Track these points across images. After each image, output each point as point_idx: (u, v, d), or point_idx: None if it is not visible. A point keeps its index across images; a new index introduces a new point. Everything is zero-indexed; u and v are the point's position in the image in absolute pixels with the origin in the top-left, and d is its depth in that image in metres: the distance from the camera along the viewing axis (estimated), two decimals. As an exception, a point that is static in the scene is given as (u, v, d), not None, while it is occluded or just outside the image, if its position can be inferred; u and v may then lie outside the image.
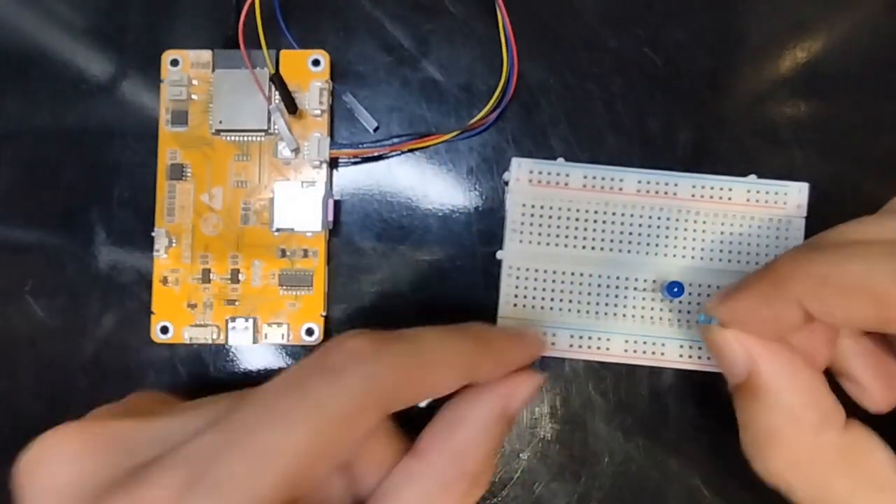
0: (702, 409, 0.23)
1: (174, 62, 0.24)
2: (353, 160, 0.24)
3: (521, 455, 0.23)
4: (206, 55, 0.24)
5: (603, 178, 0.22)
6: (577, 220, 0.22)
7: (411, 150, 0.24)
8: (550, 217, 0.22)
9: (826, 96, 0.24)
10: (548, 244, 0.22)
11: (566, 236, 0.22)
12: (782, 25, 0.24)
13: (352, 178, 0.24)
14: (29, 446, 0.15)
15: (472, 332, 0.17)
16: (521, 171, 0.22)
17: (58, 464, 0.14)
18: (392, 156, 0.24)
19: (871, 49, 0.24)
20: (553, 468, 0.23)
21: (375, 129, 0.24)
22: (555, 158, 0.22)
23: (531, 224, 0.22)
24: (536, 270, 0.22)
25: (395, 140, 0.23)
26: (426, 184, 0.24)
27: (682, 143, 0.24)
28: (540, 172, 0.22)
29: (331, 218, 0.23)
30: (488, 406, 0.17)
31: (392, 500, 0.16)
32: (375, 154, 0.24)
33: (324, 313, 0.23)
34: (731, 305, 0.18)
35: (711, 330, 0.18)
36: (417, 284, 0.23)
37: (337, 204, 0.24)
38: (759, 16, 0.24)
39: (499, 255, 0.22)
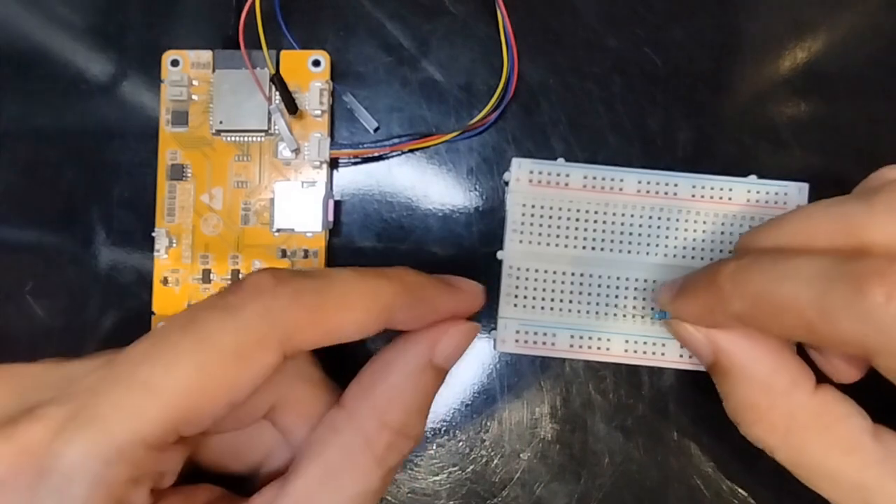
0: (702, 409, 0.23)
1: (174, 62, 0.24)
2: (353, 160, 0.24)
3: (521, 455, 0.23)
4: (206, 55, 0.24)
5: (603, 179, 0.22)
6: (577, 220, 0.22)
7: (411, 151, 0.24)
8: (551, 217, 0.22)
9: (826, 96, 0.24)
10: (548, 244, 0.22)
11: (566, 236, 0.22)
12: (782, 25, 0.24)
13: (352, 178, 0.24)
14: None
15: (393, 275, 0.16)
16: (522, 172, 0.22)
17: None
18: (392, 156, 0.24)
19: (871, 49, 0.24)
20: (553, 468, 0.23)
21: (375, 130, 0.24)
22: (555, 158, 0.22)
23: (531, 224, 0.22)
24: (536, 270, 0.22)
25: (395, 140, 0.23)
26: (426, 184, 0.24)
27: (682, 142, 0.24)
28: (540, 172, 0.22)
29: (331, 218, 0.23)
30: (411, 355, 0.16)
31: (316, 452, 0.15)
32: (375, 154, 0.24)
33: (324, 313, 0.23)
34: (678, 308, 0.18)
35: (671, 324, 0.20)
36: (417, 284, 0.23)
37: (337, 204, 0.24)
38: (759, 16, 0.24)
39: (499, 255, 0.22)
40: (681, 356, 0.22)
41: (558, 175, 0.22)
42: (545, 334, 0.22)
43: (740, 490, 0.23)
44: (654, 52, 0.24)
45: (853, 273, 0.14)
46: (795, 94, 0.24)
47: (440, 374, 0.17)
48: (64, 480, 0.12)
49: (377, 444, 0.15)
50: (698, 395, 0.23)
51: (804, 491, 0.21)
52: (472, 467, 0.23)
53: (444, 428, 0.23)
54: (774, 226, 0.18)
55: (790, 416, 0.17)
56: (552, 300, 0.22)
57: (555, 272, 0.22)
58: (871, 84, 0.24)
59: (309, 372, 0.18)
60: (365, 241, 0.24)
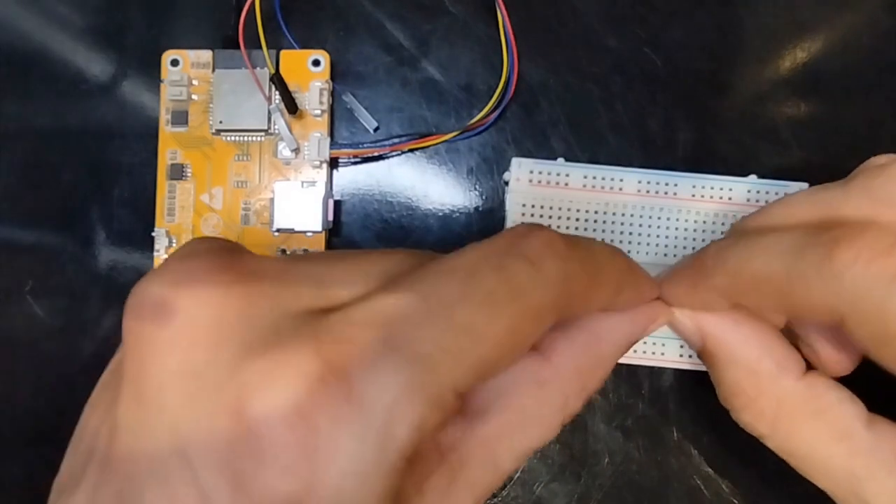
0: (702, 409, 0.23)
1: (174, 62, 0.24)
2: (353, 160, 0.24)
3: (521, 455, 0.23)
4: (206, 55, 0.24)
5: (603, 179, 0.22)
6: (577, 220, 0.22)
7: (411, 150, 0.24)
8: (551, 217, 0.22)
9: (826, 96, 0.24)
10: None
11: None
12: (782, 25, 0.24)
13: (352, 178, 0.24)
14: (156, 270, 0.12)
15: (621, 255, 0.16)
16: (522, 171, 0.22)
17: (207, 293, 0.11)
18: (392, 156, 0.24)
19: (871, 49, 0.24)
20: (553, 468, 0.23)
21: (375, 129, 0.24)
22: (555, 158, 0.22)
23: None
24: None
25: (395, 140, 0.23)
26: (426, 184, 0.24)
27: (682, 142, 0.24)
28: (540, 172, 0.22)
29: (331, 218, 0.23)
30: (631, 330, 0.16)
31: (512, 398, 0.15)
32: (375, 154, 0.24)
33: (324, 313, 0.23)
34: (666, 290, 0.19)
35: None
36: (417, 284, 0.23)
37: (337, 204, 0.24)
38: (759, 16, 0.24)
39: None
40: (680, 356, 0.22)
41: (558, 175, 0.22)
42: None
43: (740, 490, 0.23)
44: (654, 52, 0.24)
45: (824, 240, 0.14)
46: (795, 94, 0.24)
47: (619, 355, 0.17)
48: (388, 419, 0.11)
49: (571, 407, 0.15)
50: (698, 395, 0.23)
51: (804, 491, 0.21)
52: (472, 467, 0.23)
53: (444, 428, 0.23)
54: (761, 211, 0.19)
55: (778, 401, 0.17)
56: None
57: None
58: (871, 84, 0.24)
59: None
60: (365, 241, 0.24)
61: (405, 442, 0.11)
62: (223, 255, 0.12)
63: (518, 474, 0.23)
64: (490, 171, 0.24)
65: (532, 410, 0.15)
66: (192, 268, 0.12)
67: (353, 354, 0.11)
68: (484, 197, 0.24)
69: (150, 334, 0.11)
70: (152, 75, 0.24)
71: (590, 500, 0.23)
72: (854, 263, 0.14)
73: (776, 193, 0.22)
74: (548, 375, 0.15)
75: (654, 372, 0.23)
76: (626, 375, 0.23)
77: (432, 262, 0.13)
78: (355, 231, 0.24)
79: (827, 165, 0.24)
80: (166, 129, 0.24)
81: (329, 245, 0.23)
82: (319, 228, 0.23)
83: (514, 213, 0.22)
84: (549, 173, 0.22)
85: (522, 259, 0.13)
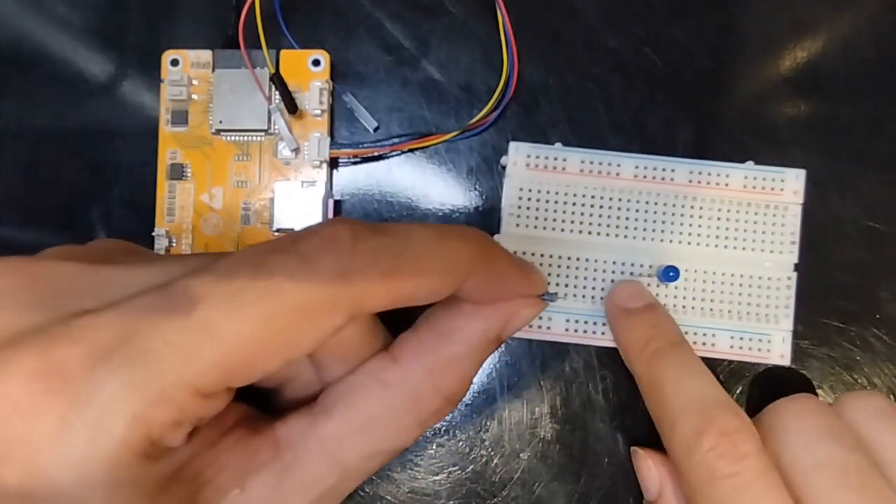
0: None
1: (174, 62, 0.24)
2: (353, 160, 0.24)
3: (521, 455, 0.23)
4: (206, 55, 0.24)
5: (601, 164, 0.22)
6: (574, 204, 0.22)
7: (411, 150, 0.24)
8: (547, 202, 0.22)
9: (826, 96, 0.24)
10: (544, 228, 0.22)
11: (563, 221, 0.22)
12: (782, 25, 0.24)
13: (352, 178, 0.24)
14: None
15: (472, 237, 0.15)
16: (519, 156, 0.22)
17: None
18: (392, 156, 0.24)
19: (871, 49, 0.24)
20: (553, 468, 0.23)
21: (375, 129, 0.24)
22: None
23: (528, 208, 0.22)
24: (532, 255, 0.22)
25: (395, 140, 0.23)
26: (426, 184, 0.24)
27: (682, 142, 0.24)
28: (538, 157, 0.22)
29: (331, 217, 0.23)
30: (484, 327, 0.16)
31: (359, 399, 0.14)
32: (375, 154, 0.24)
33: (324, 313, 0.23)
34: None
35: (636, 453, 0.22)
36: (417, 284, 0.23)
37: (337, 204, 0.24)
38: (759, 16, 0.24)
39: (495, 238, 0.22)
40: None
41: (555, 159, 0.22)
42: (540, 319, 0.22)
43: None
44: (654, 52, 0.24)
45: (705, 417, 0.18)
46: (795, 94, 0.24)
47: (497, 347, 0.17)
48: (101, 413, 0.11)
49: (425, 408, 0.15)
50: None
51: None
52: (472, 467, 0.23)
53: (444, 428, 0.23)
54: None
55: None
56: (548, 285, 0.22)
57: (551, 256, 0.22)
58: (871, 84, 0.24)
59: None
60: (365, 240, 0.24)
61: (121, 435, 0.11)
62: (14, 267, 0.13)
63: (518, 474, 0.23)
64: (490, 171, 0.24)
65: (380, 412, 0.15)
66: None
67: (79, 353, 0.11)
68: (484, 197, 0.24)
69: None
70: (152, 75, 0.24)
71: (590, 500, 0.23)
72: (707, 450, 0.17)
73: (773, 179, 0.22)
74: (393, 376, 0.15)
75: (654, 372, 0.23)
76: (627, 375, 0.23)
77: (210, 259, 0.13)
78: (355, 231, 0.24)
79: (827, 165, 0.24)
80: (166, 129, 0.24)
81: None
82: (319, 228, 0.23)
83: (510, 198, 0.22)
84: (546, 157, 0.22)
85: (292, 256, 0.12)
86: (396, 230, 0.14)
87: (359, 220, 0.13)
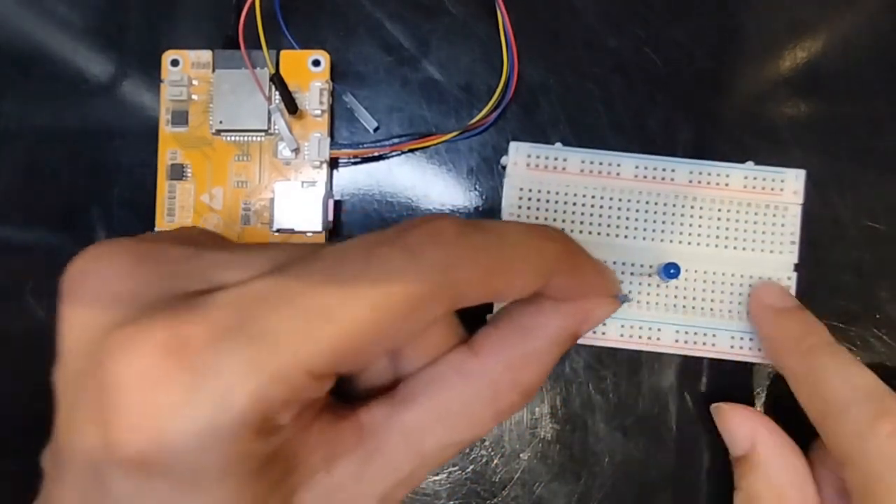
0: (702, 409, 0.23)
1: (174, 62, 0.24)
2: (353, 160, 0.24)
3: (521, 455, 0.23)
4: (206, 55, 0.24)
5: (601, 164, 0.22)
6: (574, 204, 0.22)
7: (411, 150, 0.24)
8: (548, 202, 0.22)
9: (826, 96, 0.24)
10: None
11: (563, 221, 0.22)
12: (782, 25, 0.24)
13: (352, 178, 0.24)
14: (80, 254, 0.14)
15: (557, 237, 0.16)
16: (519, 156, 0.22)
17: (109, 273, 0.13)
18: (392, 156, 0.24)
19: (871, 49, 0.24)
20: (553, 468, 0.23)
21: (375, 129, 0.24)
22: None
23: (528, 208, 0.22)
24: None
25: (395, 140, 0.23)
26: (426, 184, 0.24)
27: (682, 142, 0.24)
28: (538, 157, 0.22)
29: (331, 218, 0.23)
30: (564, 324, 0.16)
31: (439, 390, 0.15)
32: (375, 154, 0.24)
33: (324, 313, 0.23)
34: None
35: (722, 409, 0.22)
36: (417, 284, 0.23)
37: (337, 204, 0.24)
38: (759, 16, 0.24)
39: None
40: (676, 341, 0.22)
41: (556, 159, 0.22)
42: None
43: (740, 490, 0.23)
44: (654, 52, 0.24)
45: (875, 407, 0.18)
46: (795, 94, 0.24)
47: (573, 344, 0.17)
48: (225, 388, 0.11)
49: (502, 401, 0.15)
50: (698, 395, 0.23)
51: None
52: (472, 467, 0.23)
53: (444, 428, 0.23)
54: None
55: None
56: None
57: None
58: (871, 84, 0.24)
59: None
60: (365, 241, 0.24)
61: (242, 410, 0.12)
62: (125, 248, 0.14)
63: (518, 474, 0.23)
64: (490, 171, 0.24)
65: (459, 403, 0.15)
66: (96, 255, 0.14)
67: (202, 330, 0.12)
68: (484, 197, 0.24)
69: (63, 302, 0.13)
70: (152, 75, 0.24)
71: (590, 500, 0.23)
72: (886, 435, 0.17)
73: (773, 180, 0.22)
74: (474, 369, 0.15)
75: (654, 372, 0.23)
76: (627, 375, 0.23)
77: (314, 249, 0.14)
78: (355, 231, 0.24)
79: (827, 165, 0.24)
80: (166, 129, 0.24)
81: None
82: (319, 228, 0.23)
83: (510, 198, 0.22)
84: (546, 157, 0.22)
85: (398, 247, 0.13)
86: (493, 227, 0.15)
87: (458, 217, 0.14)
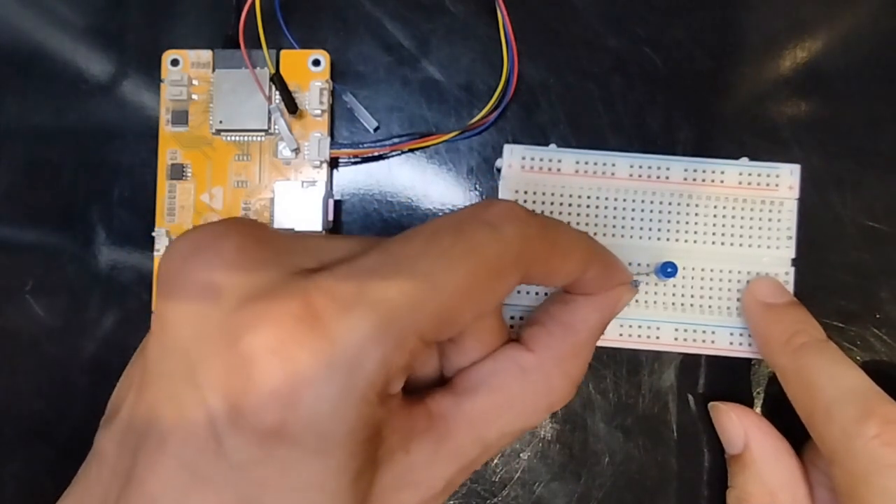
0: (702, 409, 0.23)
1: (174, 62, 0.24)
2: (353, 160, 0.24)
3: (521, 455, 0.23)
4: (206, 55, 0.24)
5: (595, 164, 0.23)
6: (569, 205, 0.22)
7: (411, 150, 0.24)
8: (543, 203, 0.22)
9: (826, 96, 0.24)
10: None
11: None
12: (782, 25, 0.24)
13: (352, 178, 0.24)
14: (183, 236, 0.14)
15: (588, 235, 0.18)
16: (514, 158, 0.22)
17: (230, 250, 0.13)
18: (392, 156, 0.24)
19: (871, 49, 0.24)
20: (553, 468, 0.23)
21: (375, 129, 0.24)
22: (555, 158, 0.23)
23: None
24: None
25: (396, 140, 0.23)
26: (426, 184, 0.24)
27: (682, 142, 0.24)
28: (532, 158, 0.22)
29: (331, 218, 0.23)
30: (600, 315, 0.18)
31: (500, 382, 0.16)
32: (375, 154, 0.24)
33: (324, 313, 0.23)
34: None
35: (718, 408, 0.22)
36: (417, 284, 0.23)
37: (337, 204, 0.24)
38: (759, 16, 0.24)
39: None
40: (675, 339, 0.22)
41: (550, 161, 0.22)
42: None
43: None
44: (654, 52, 0.24)
45: (862, 406, 0.18)
46: (795, 94, 0.24)
47: (603, 332, 0.19)
48: (357, 354, 0.12)
49: (555, 392, 0.17)
50: (698, 394, 0.23)
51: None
52: (472, 467, 0.23)
53: (444, 428, 0.23)
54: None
55: None
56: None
57: None
58: (871, 84, 0.24)
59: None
60: (365, 240, 0.24)
61: (372, 374, 0.12)
62: (241, 227, 0.14)
63: (518, 474, 0.23)
64: (490, 171, 0.24)
65: (517, 393, 0.16)
66: (214, 234, 0.14)
67: (329, 302, 0.12)
68: (484, 197, 0.24)
69: (174, 282, 0.13)
70: (152, 75, 0.24)
71: (590, 500, 0.23)
72: (871, 437, 0.17)
73: (768, 175, 0.23)
74: (531, 363, 0.17)
75: (654, 371, 0.23)
76: (626, 375, 0.23)
77: (400, 235, 0.15)
78: (355, 231, 0.24)
79: (827, 165, 0.24)
80: (166, 129, 0.24)
81: (329, 245, 0.23)
82: (319, 228, 0.23)
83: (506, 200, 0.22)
84: (541, 159, 0.22)
85: (482, 222, 0.14)
86: (545, 217, 0.16)
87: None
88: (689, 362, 0.23)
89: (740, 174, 0.22)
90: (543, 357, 0.17)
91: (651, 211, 0.22)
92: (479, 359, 0.17)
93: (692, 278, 0.22)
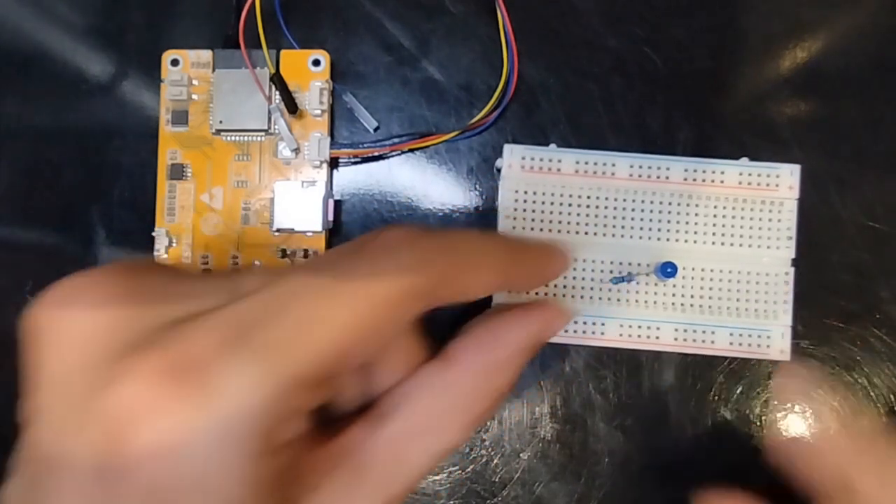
0: (702, 409, 0.23)
1: (174, 62, 0.24)
2: (353, 160, 0.24)
3: (521, 455, 0.23)
4: (206, 55, 0.24)
5: (595, 164, 0.23)
6: (569, 205, 0.22)
7: (411, 150, 0.24)
8: (543, 203, 0.22)
9: (826, 96, 0.24)
10: (541, 230, 0.22)
11: (559, 222, 0.22)
12: (782, 25, 0.24)
13: (352, 178, 0.24)
14: (47, 290, 0.13)
15: (504, 238, 0.17)
16: (514, 158, 0.23)
17: (82, 311, 0.13)
18: (392, 156, 0.24)
19: (871, 49, 0.24)
20: (553, 468, 0.23)
21: (375, 129, 0.24)
22: (554, 157, 0.23)
23: (524, 210, 0.22)
24: None
25: (395, 140, 0.23)
26: (426, 184, 0.24)
27: (682, 142, 0.24)
28: (532, 158, 0.23)
29: (331, 218, 0.23)
30: (529, 330, 0.17)
31: (420, 400, 0.15)
32: (375, 154, 0.24)
33: (324, 313, 0.23)
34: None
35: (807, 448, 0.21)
36: (417, 284, 0.23)
37: (337, 204, 0.24)
38: (759, 16, 0.24)
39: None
40: (675, 339, 0.22)
41: (550, 161, 0.22)
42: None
43: (740, 490, 0.23)
44: (654, 52, 0.24)
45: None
46: (795, 94, 0.24)
47: (536, 352, 0.18)
48: (231, 406, 0.12)
49: (480, 407, 0.16)
50: (699, 394, 0.23)
51: (802, 493, 0.21)
52: (472, 467, 0.23)
53: (444, 428, 0.23)
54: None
55: None
56: (546, 286, 0.22)
57: None
58: (871, 84, 0.24)
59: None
60: (365, 240, 0.24)
61: (254, 424, 0.12)
62: (113, 277, 0.14)
63: (518, 474, 0.23)
64: (490, 171, 0.24)
65: (437, 412, 0.15)
66: (84, 285, 0.14)
67: (205, 349, 0.12)
68: (484, 197, 0.24)
69: (42, 336, 0.13)
70: (152, 75, 0.24)
71: (590, 500, 0.23)
72: None
73: (768, 175, 0.23)
74: (450, 378, 0.16)
75: (655, 372, 0.23)
76: (626, 375, 0.23)
77: (291, 266, 0.14)
78: (355, 231, 0.24)
79: (827, 165, 0.24)
80: (166, 129, 0.24)
81: (329, 245, 0.23)
82: (319, 228, 0.23)
83: (506, 201, 0.22)
84: (541, 159, 0.22)
85: (376, 250, 0.14)
86: (450, 231, 0.16)
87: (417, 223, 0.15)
88: (688, 362, 0.23)
89: (740, 174, 0.23)
90: (466, 372, 0.16)
91: (651, 211, 0.22)
92: (400, 379, 0.16)
93: (692, 278, 0.22)
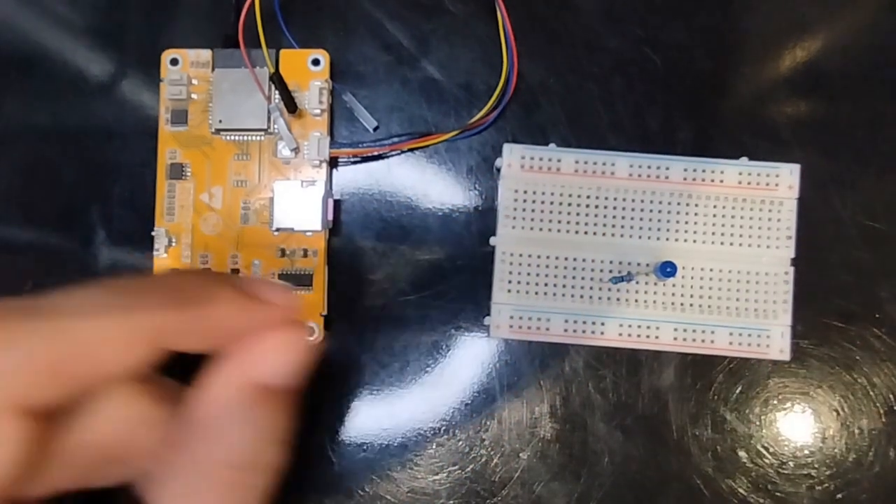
0: (702, 408, 0.23)
1: (174, 61, 0.24)
2: (352, 160, 0.24)
3: (520, 455, 0.23)
4: (205, 54, 0.24)
5: (595, 163, 0.23)
6: (569, 204, 0.23)
7: (411, 150, 0.24)
8: (543, 202, 0.23)
9: (826, 96, 0.24)
10: (540, 229, 0.22)
11: (559, 221, 0.22)
12: (782, 25, 0.24)
13: (352, 177, 0.24)
14: None
15: (160, 287, 0.14)
16: (513, 157, 0.23)
17: None
18: (392, 155, 0.24)
19: (871, 49, 0.24)
20: (553, 468, 0.23)
21: (375, 129, 0.24)
22: (554, 158, 0.23)
23: (524, 210, 0.22)
24: (529, 256, 0.22)
25: (395, 139, 0.23)
26: (426, 183, 0.24)
27: (682, 142, 0.24)
28: (532, 158, 0.23)
29: (330, 217, 0.23)
30: (226, 381, 0.14)
31: (162, 492, 0.14)
32: (375, 153, 0.24)
33: (324, 313, 0.23)
34: None
35: None
36: (417, 284, 0.23)
37: (337, 203, 0.24)
38: (759, 16, 0.24)
39: (492, 241, 0.22)
40: (675, 339, 0.22)
41: (550, 160, 0.23)
42: (539, 319, 0.22)
43: (740, 489, 0.23)
44: (654, 52, 0.24)
45: None
46: (795, 94, 0.24)
47: (277, 392, 0.14)
48: None
49: (222, 483, 0.14)
50: (698, 394, 0.23)
51: (801, 492, 0.21)
52: (471, 466, 0.23)
53: (443, 427, 0.23)
54: None
55: None
56: (546, 285, 0.22)
57: (548, 257, 0.22)
58: (871, 84, 0.24)
59: (139, 407, 0.15)
60: (364, 240, 0.24)
61: None
62: None
63: (518, 474, 0.23)
64: (490, 171, 0.24)
65: (185, 497, 0.14)
66: None
67: None
68: (484, 196, 0.24)
69: None
70: (152, 74, 0.24)
71: (590, 500, 0.23)
72: None
73: (767, 175, 0.23)
74: (178, 461, 0.14)
75: (654, 371, 0.23)
76: (626, 375, 0.23)
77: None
78: (355, 230, 0.24)
79: (827, 165, 0.24)
80: (166, 129, 0.24)
81: (329, 245, 0.23)
82: (319, 228, 0.23)
83: (506, 200, 0.22)
84: (540, 159, 0.23)
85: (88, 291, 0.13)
86: (49, 310, 0.13)
87: (9, 309, 0.13)
88: (688, 361, 0.23)
89: (740, 174, 0.23)
90: (185, 450, 0.14)
91: (650, 210, 0.22)
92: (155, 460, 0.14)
93: (692, 278, 0.22)
